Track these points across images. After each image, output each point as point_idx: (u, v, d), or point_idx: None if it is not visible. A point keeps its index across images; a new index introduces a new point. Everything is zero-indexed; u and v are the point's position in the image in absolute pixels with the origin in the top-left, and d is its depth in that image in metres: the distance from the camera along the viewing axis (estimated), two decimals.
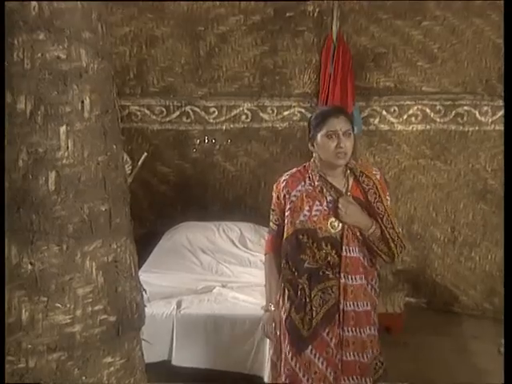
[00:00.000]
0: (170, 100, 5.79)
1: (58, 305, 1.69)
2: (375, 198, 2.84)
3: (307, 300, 2.83)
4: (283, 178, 2.95)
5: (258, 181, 5.87)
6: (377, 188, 2.85)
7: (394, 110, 5.78)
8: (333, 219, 2.81)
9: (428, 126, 5.75)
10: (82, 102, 1.69)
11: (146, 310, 2.00)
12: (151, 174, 5.87)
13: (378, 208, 2.83)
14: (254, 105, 5.83)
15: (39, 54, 1.63)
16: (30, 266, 1.66)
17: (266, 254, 3.06)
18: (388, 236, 2.82)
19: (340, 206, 2.78)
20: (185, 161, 5.93)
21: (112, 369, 1.80)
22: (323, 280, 2.84)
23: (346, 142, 2.77)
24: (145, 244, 4.85)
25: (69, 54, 1.66)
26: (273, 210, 2.98)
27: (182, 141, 5.89)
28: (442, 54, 5.56)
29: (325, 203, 2.84)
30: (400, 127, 5.81)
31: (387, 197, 2.89)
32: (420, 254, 5.94)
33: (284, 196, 2.90)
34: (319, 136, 2.81)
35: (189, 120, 5.85)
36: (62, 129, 1.66)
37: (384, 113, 5.79)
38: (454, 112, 5.64)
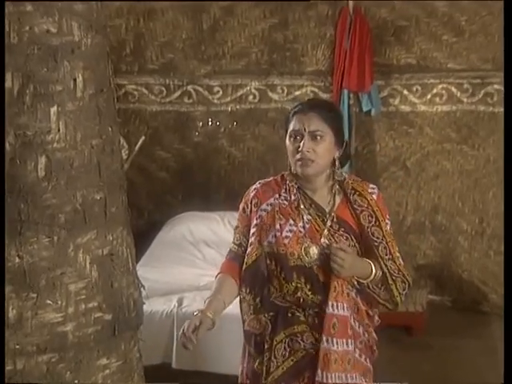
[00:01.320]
0: (170, 78, 5.79)
1: (49, 302, 1.70)
2: (370, 222, 2.51)
3: (266, 346, 2.52)
4: (254, 186, 2.65)
5: (266, 167, 5.87)
6: (373, 210, 2.52)
7: (417, 90, 5.76)
8: (308, 244, 2.48)
9: (454, 107, 5.73)
10: (75, 80, 1.69)
11: (145, 307, 2.02)
12: (150, 159, 5.88)
13: (373, 234, 2.50)
14: (262, 84, 5.82)
15: (27, 27, 1.63)
16: (17, 259, 1.67)
17: (218, 274, 2.63)
18: (386, 270, 2.50)
19: (334, 257, 2.39)
20: (186, 145, 5.94)
21: (107, 371, 1.81)
22: (291, 323, 2.50)
23: (312, 144, 2.45)
24: (143, 236, 4.86)
25: (59, 27, 1.67)
26: (236, 227, 2.65)
27: (184, 123, 5.89)
28: (469, 27, 5.53)
29: (300, 223, 2.51)
30: (423, 108, 5.79)
31: (387, 220, 2.55)
32: (444, 247, 5.94)
33: (252, 209, 2.59)
34: (287, 138, 2.53)
35: (191, 100, 5.85)
36: (53, 109, 1.66)
37: (405, 92, 5.77)
38: (482, 91, 5.62)
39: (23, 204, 1.66)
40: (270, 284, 2.52)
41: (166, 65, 5.77)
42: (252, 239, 2.55)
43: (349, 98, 5.64)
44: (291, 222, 2.52)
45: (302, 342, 2.49)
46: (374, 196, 2.55)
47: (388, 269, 2.50)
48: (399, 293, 2.53)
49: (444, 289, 5.92)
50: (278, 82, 5.80)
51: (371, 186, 2.60)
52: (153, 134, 5.81)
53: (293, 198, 2.56)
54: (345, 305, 2.45)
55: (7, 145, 1.64)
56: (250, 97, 5.85)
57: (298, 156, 2.47)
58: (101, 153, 1.77)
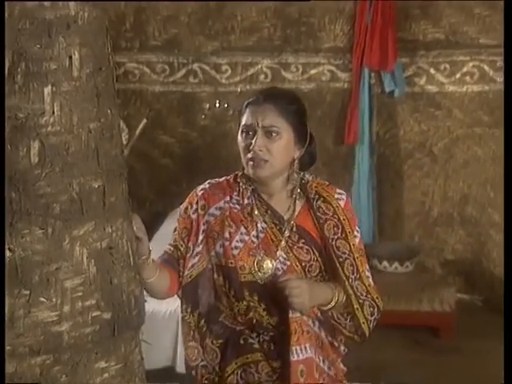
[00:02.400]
0: (174, 56, 5.79)
1: (43, 299, 1.71)
2: (335, 234, 2.36)
3: (215, 380, 2.40)
4: (202, 186, 2.49)
5: None
6: (339, 219, 2.36)
7: (445, 68, 5.74)
8: (261, 257, 2.35)
9: (486, 87, 5.71)
10: (70, 57, 1.69)
11: (146, 306, 2.02)
12: (152, 144, 5.89)
13: (339, 248, 2.35)
14: (274, 62, 5.81)
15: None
16: (8, 253, 1.68)
17: None
18: (351, 291, 2.34)
19: (291, 291, 2.20)
20: (192, 129, 5.95)
21: (106, 375, 1.82)
22: (244, 351, 2.37)
23: (265, 142, 2.30)
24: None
25: None
26: (174, 230, 2.50)
27: (189, 105, 5.89)
28: None
29: (253, 232, 2.37)
30: (451, 88, 5.77)
31: (356, 232, 2.39)
32: (475, 241, 5.93)
33: (197, 211, 2.43)
34: (238, 133, 2.38)
35: (197, 80, 5.85)
36: (47, 90, 1.66)
37: (432, 71, 5.76)
38: None
39: (14, 193, 1.67)
40: (219, 302, 2.39)
41: (170, 41, 5.78)
42: (199, 248, 2.40)
43: (370, 77, 5.64)
44: (243, 230, 2.38)
45: (256, 374, 2.35)
46: (341, 203, 2.39)
47: (354, 290, 2.35)
48: (366, 319, 2.38)
49: (474, 287, 5.91)
50: (293, 59, 5.80)
51: (338, 190, 2.43)
52: (155, 116, 5.82)
53: (246, 201, 2.41)
54: (307, 345, 2.34)
55: None
56: (262, 76, 5.84)
57: (250, 155, 2.31)
58: (99, 137, 1.77)
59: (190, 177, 5.97)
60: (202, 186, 2.48)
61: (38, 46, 1.65)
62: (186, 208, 2.46)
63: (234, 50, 5.79)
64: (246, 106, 2.37)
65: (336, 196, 2.40)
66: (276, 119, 2.31)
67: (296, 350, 2.31)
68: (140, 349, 1.98)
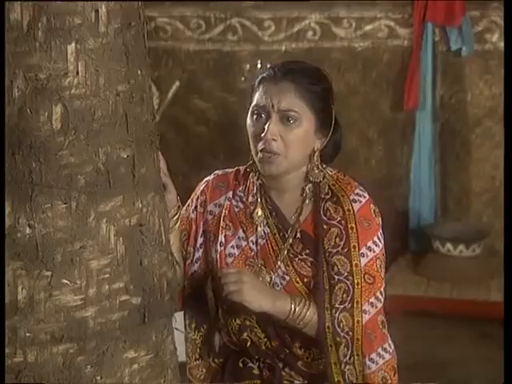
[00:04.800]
0: (210, 10, 5.78)
1: (66, 281, 1.73)
2: (336, 246, 2.16)
3: None
4: (208, 177, 2.42)
5: None
6: (346, 227, 2.16)
7: None
8: (259, 268, 2.24)
9: None
10: (97, 11, 1.70)
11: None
12: (185, 110, 5.91)
13: (334, 266, 2.15)
14: (324, 16, 5.78)
15: None
16: (28, 230, 1.71)
17: None
18: (328, 323, 2.12)
19: (227, 277, 2.10)
20: (230, 93, 5.94)
21: (135, 366, 1.84)
22: (242, 377, 2.31)
23: (280, 129, 2.16)
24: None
25: None
26: None
27: (227, 66, 5.89)
28: None
29: (253, 237, 2.26)
30: None
31: (366, 249, 2.17)
32: None
33: (196, 209, 2.35)
34: (248, 115, 2.26)
35: (236, 37, 5.84)
36: (70, 47, 1.68)
37: None
38: None
39: (35, 163, 1.69)
40: (217, 316, 2.32)
41: None
42: (199, 253, 2.31)
43: (433, 33, 5.57)
44: (241, 233, 2.27)
45: None
46: (356, 206, 2.18)
47: (333, 321, 2.13)
48: (339, 360, 2.14)
49: None
50: (345, 13, 5.75)
51: (358, 190, 2.22)
52: (189, 78, 5.83)
53: (250, 199, 2.29)
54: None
55: (15, 91, 1.66)
56: (310, 33, 5.81)
57: (260, 145, 2.17)
58: (128, 101, 1.78)
59: (227, 147, 5.98)
60: (207, 178, 2.41)
61: None
62: (188, 205, 2.36)
63: (277, 3, 5.76)
64: (260, 82, 2.22)
65: (352, 197, 2.19)
66: (296, 102, 2.16)
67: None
68: (173, 338, 1.99)
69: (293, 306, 2.13)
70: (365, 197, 2.21)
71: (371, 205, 2.21)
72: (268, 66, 2.32)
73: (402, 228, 5.79)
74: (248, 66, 5.90)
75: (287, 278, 2.23)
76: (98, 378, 1.78)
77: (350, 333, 2.13)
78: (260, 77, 2.23)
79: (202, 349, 2.37)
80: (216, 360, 2.37)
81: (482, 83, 5.76)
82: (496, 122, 5.79)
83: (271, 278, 2.23)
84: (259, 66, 5.88)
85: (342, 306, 2.12)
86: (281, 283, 2.23)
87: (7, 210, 1.70)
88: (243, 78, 5.92)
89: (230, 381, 2.32)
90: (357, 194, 2.20)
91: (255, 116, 2.20)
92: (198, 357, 2.37)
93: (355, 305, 2.13)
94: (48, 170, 1.69)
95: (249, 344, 2.26)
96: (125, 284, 1.80)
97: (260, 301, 2.09)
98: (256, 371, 2.31)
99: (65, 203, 1.71)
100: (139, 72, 1.81)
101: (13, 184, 1.70)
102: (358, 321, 2.12)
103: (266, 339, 2.24)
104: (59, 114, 1.69)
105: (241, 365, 2.32)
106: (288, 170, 2.20)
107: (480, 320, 5.00)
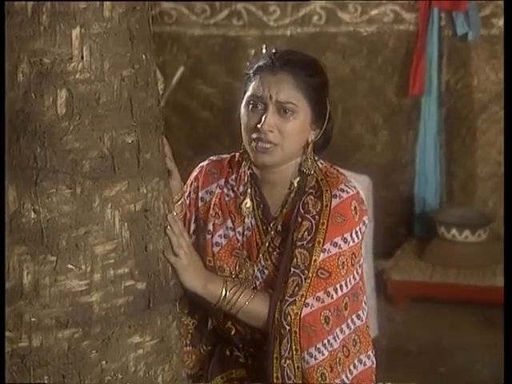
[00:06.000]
0: None
1: (71, 266, 1.74)
2: (302, 239, 2.13)
3: None
4: (202, 163, 2.41)
5: (333, 105, 5.80)
6: (318, 222, 2.12)
7: None
8: (243, 260, 2.23)
9: None
10: None
11: None
12: (190, 95, 5.90)
13: (294, 258, 2.12)
14: (329, 1, 5.76)
15: None
16: (33, 215, 1.71)
17: None
18: (277, 314, 2.09)
19: (172, 238, 1.96)
20: (235, 78, 5.93)
21: (140, 351, 1.85)
22: (229, 365, 2.32)
23: (277, 121, 2.13)
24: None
25: None
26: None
27: (232, 51, 5.88)
28: None
29: (240, 228, 2.25)
30: None
31: (330, 245, 2.11)
32: None
33: (189, 196, 2.34)
34: (242, 105, 2.23)
35: (241, 22, 5.83)
36: (75, 32, 1.68)
37: None
38: None
39: (39, 147, 1.69)
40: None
41: None
42: (192, 240, 2.26)
43: (440, 18, 5.55)
44: (229, 223, 2.26)
45: None
46: (335, 202, 2.14)
47: (281, 313, 2.09)
48: (280, 355, 2.10)
49: None
50: None
51: (343, 186, 2.18)
52: (194, 64, 5.82)
53: (241, 189, 2.27)
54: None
55: (20, 75, 1.67)
56: (315, 18, 5.80)
57: (255, 135, 2.15)
58: (133, 86, 1.78)
59: (232, 132, 5.97)
60: (201, 163, 2.40)
61: None
62: (183, 192, 2.30)
63: None
64: (256, 72, 2.19)
65: (334, 192, 2.15)
66: (294, 94, 2.14)
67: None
68: (178, 323, 2.01)
69: (224, 291, 2.10)
70: (348, 192, 2.16)
71: (353, 201, 2.16)
72: (263, 55, 2.31)
73: (407, 213, 5.78)
74: (253, 52, 5.88)
75: (266, 271, 2.23)
76: (103, 362, 1.79)
77: (296, 328, 2.08)
78: (256, 66, 2.21)
79: (193, 335, 2.35)
80: (205, 347, 2.37)
81: (488, 68, 5.74)
82: (502, 107, 5.78)
83: (254, 271, 2.22)
84: (264, 51, 5.87)
85: (291, 299, 2.08)
86: (261, 276, 2.22)
87: (12, 195, 1.70)
88: (248, 63, 5.90)
89: (217, 369, 2.31)
90: (340, 189, 2.16)
91: (251, 106, 2.18)
92: (188, 343, 2.34)
93: (299, 297, 2.09)
94: (53, 155, 1.70)
95: (233, 333, 2.26)
96: (130, 269, 1.81)
97: (192, 280, 2.04)
98: (242, 360, 2.32)
99: (69, 188, 1.72)
100: (144, 57, 1.82)
101: (17, 169, 1.70)
102: (296, 313, 2.07)
103: (250, 330, 2.23)
104: (64, 99, 1.69)
105: (228, 353, 2.33)
106: (282, 161, 2.18)
107: (485, 305, 4.99)
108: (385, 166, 5.67)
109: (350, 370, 2.16)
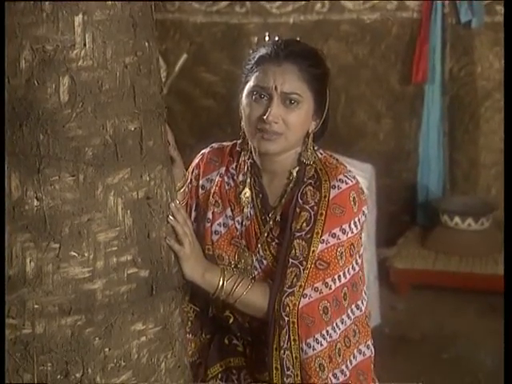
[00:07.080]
0: None
1: (74, 253, 1.75)
2: (301, 230, 2.11)
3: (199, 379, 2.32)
4: (204, 149, 2.40)
5: (336, 93, 5.83)
6: (316, 213, 2.11)
7: None
8: (242, 249, 2.22)
9: None
10: None
11: None
12: (192, 83, 5.90)
13: (293, 249, 2.11)
14: None
15: None
16: (36, 202, 1.71)
17: None
18: (277, 305, 2.08)
19: (176, 227, 1.98)
20: (238, 66, 5.90)
21: (143, 339, 1.86)
22: (227, 353, 2.32)
23: (282, 111, 2.11)
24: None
25: None
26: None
27: (235, 38, 5.87)
28: None
29: (239, 217, 2.23)
30: None
31: (328, 236, 2.10)
32: None
33: (191, 183, 2.33)
34: (244, 94, 2.21)
35: (243, 10, 5.82)
36: (78, 19, 1.68)
37: None
38: None
39: (42, 135, 1.69)
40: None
41: None
42: (193, 227, 2.20)
43: (443, 5, 5.54)
44: (229, 212, 2.25)
45: (237, 382, 2.30)
46: (334, 192, 2.12)
47: (280, 304, 2.08)
48: (280, 346, 2.08)
49: None
50: None
51: (342, 176, 2.15)
52: (196, 51, 5.82)
53: (240, 178, 2.26)
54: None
55: (23, 62, 1.67)
56: (318, 5, 5.79)
57: (260, 126, 2.12)
58: (136, 73, 1.78)
59: (235, 120, 5.97)
60: (203, 151, 2.39)
61: None
62: (186, 180, 2.29)
63: None
64: (259, 62, 2.17)
65: (333, 182, 2.13)
66: (298, 84, 2.12)
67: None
68: (180, 311, 2.01)
69: (221, 281, 2.09)
70: (347, 183, 2.14)
71: (352, 192, 2.14)
72: (265, 44, 2.25)
73: (411, 201, 5.79)
74: (256, 39, 5.87)
75: (264, 261, 2.21)
76: (106, 349, 1.80)
77: (286, 317, 2.07)
78: (258, 56, 2.18)
79: (194, 323, 2.34)
80: (204, 336, 2.36)
81: (491, 56, 5.73)
82: None
83: (252, 261, 2.21)
84: (267, 38, 5.86)
85: (289, 290, 2.07)
86: (260, 267, 2.21)
87: (15, 182, 1.70)
88: (251, 51, 5.89)
89: (215, 357, 2.31)
90: (339, 179, 2.14)
91: (254, 96, 2.15)
92: (188, 331, 2.33)
93: (297, 287, 2.07)
94: (55, 143, 1.70)
95: (231, 321, 2.25)
96: (132, 256, 1.81)
97: (192, 269, 2.04)
98: (240, 348, 2.31)
99: (72, 176, 1.72)
100: (146, 44, 1.81)
101: (20, 156, 1.70)
102: (294, 304, 2.07)
103: (248, 318, 2.21)
104: (66, 86, 1.69)
105: (226, 341, 2.32)
106: (284, 150, 2.17)
107: (487, 293, 5.00)
108: (388, 154, 5.67)
109: (349, 360, 2.16)
